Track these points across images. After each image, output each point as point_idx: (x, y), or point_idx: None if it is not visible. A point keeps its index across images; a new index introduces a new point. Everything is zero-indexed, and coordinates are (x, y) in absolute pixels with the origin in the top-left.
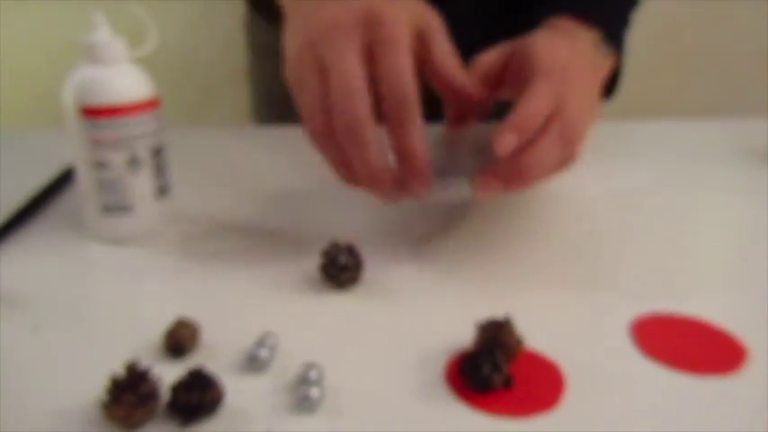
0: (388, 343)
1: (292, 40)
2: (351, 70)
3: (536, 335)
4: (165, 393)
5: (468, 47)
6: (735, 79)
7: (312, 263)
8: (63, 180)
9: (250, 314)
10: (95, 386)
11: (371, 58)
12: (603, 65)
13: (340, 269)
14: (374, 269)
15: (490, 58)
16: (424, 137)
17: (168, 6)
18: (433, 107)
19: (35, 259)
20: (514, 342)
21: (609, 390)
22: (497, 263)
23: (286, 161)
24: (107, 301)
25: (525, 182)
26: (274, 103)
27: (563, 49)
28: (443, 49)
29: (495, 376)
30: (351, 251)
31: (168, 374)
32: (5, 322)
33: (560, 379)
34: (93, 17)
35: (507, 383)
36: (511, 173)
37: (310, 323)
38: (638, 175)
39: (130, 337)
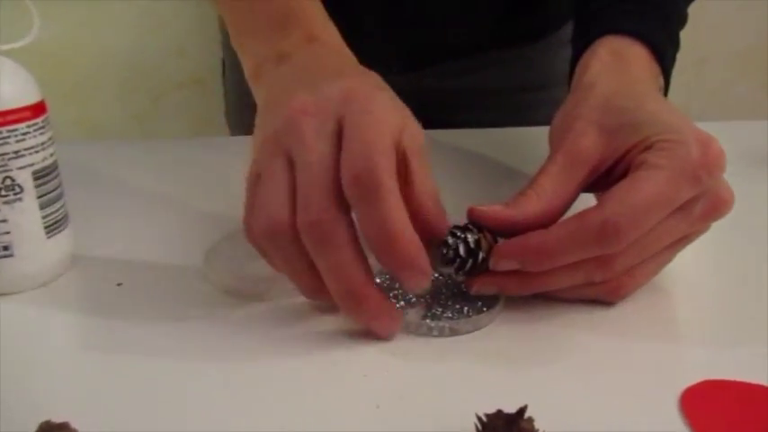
0: None
1: (259, 132)
2: (320, 162)
3: (561, 426)
4: None
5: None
6: (710, 81)
7: (262, 318)
8: None
9: (164, 408)
10: None
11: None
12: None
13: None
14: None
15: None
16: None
17: (114, 8)
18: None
19: None
20: None
21: None
22: (506, 331)
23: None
24: None
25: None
26: (246, 109)
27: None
28: (424, 172)
29: None
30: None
31: None
32: None
33: None
34: None
35: None
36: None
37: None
38: None
39: None
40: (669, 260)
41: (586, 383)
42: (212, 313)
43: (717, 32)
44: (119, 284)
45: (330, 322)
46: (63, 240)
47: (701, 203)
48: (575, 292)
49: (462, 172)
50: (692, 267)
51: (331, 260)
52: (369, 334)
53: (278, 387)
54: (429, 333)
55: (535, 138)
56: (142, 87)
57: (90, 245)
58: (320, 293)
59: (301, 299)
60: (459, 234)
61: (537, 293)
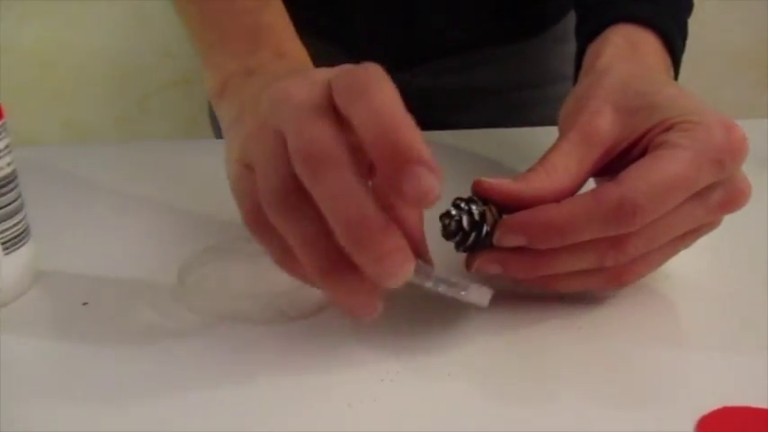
0: None
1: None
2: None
3: None
4: None
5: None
6: (708, 80)
7: (239, 342)
8: None
9: None
10: None
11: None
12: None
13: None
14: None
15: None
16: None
17: (100, 9)
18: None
19: None
20: None
21: None
22: (512, 358)
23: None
24: None
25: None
26: None
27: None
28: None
29: None
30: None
31: None
32: None
33: None
34: None
35: None
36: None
37: None
38: None
39: None
40: (675, 253)
41: (598, 413)
42: (187, 336)
43: (716, 31)
44: (84, 304)
45: (314, 348)
46: (23, 257)
47: (719, 192)
48: (577, 280)
49: (459, 174)
50: (692, 268)
51: (328, 182)
52: (354, 362)
53: (255, 417)
54: (435, 286)
55: (532, 138)
56: (128, 88)
57: (57, 259)
58: (335, 271)
59: (282, 323)
60: (462, 205)
61: (533, 296)
